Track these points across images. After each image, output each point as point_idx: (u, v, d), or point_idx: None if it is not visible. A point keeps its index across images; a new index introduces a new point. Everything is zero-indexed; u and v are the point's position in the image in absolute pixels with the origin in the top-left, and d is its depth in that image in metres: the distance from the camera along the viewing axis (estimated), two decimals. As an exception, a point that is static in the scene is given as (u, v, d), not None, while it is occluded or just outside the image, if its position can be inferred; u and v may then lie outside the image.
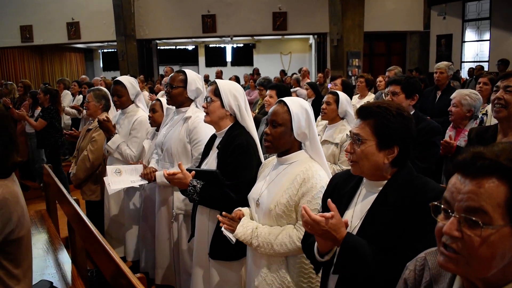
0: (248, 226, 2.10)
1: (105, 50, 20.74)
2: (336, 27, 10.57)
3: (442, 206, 0.98)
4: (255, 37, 17.73)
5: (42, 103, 5.92)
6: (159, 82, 11.70)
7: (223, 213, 2.21)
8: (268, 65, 17.89)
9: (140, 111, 3.69)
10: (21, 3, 14.93)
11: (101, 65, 21.42)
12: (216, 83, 2.55)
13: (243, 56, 20.18)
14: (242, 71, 18.20)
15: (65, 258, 3.37)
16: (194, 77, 3.05)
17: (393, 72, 5.41)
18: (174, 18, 14.55)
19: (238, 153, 2.38)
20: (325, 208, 1.77)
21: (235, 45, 19.92)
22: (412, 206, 1.49)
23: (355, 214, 1.65)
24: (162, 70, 17.89)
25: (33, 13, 14.98)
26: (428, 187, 1.54)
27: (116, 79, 3.73)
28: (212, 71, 17.68)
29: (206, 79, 12.32)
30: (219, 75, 10.98)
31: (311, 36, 16.63)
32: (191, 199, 2.49)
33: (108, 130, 3.53)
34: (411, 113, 2.97)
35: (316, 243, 1.66)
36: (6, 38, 15.25)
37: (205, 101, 2.55)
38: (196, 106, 3.07)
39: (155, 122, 3.45)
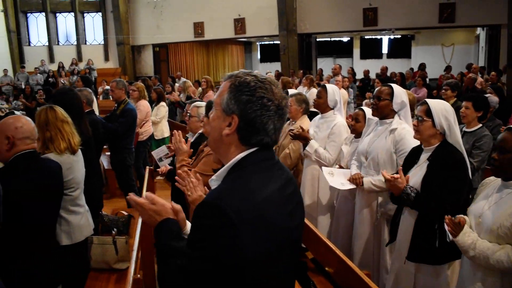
0: (469, 237, 2.27)
1: (263, 43, 22.04)
2: (515, 18, 9.57)
3: None
4: (415, 29, 17.00)
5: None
6: (319, 77, 12.11)
7: (449, 216, 2.38)
8: (427, 58, 16.75)
9: (338, 117, 4.02)
10: (195, 1, 16.64)
11: (259, 57, 22.83)
12: (427, 103, 2.75)
13: (400, 48, 19.46)
14: (399, 64, 17.59)
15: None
16: (401, 92, 3.27)
17: None
18: (335, 12, 14.72)
19: (457, 168, 2.60)
20: None
21: (392, 37, 19.31)
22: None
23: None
24: (319, 62, 18.39)
25: (205, 11, 16.58)
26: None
27: (323, 83, 4.12)
28: (366, 64, 17.43)
29: (366, 75, 12.22)
30: (384, 71, 10.91)
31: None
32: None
33: (305, 138, 3.94)
34: None
35: None
36: (182, 34, 17.25)
37: (416, 119, 2.78)
38: (400, 118, 3.29)
39: (356, 131, 3.75)
